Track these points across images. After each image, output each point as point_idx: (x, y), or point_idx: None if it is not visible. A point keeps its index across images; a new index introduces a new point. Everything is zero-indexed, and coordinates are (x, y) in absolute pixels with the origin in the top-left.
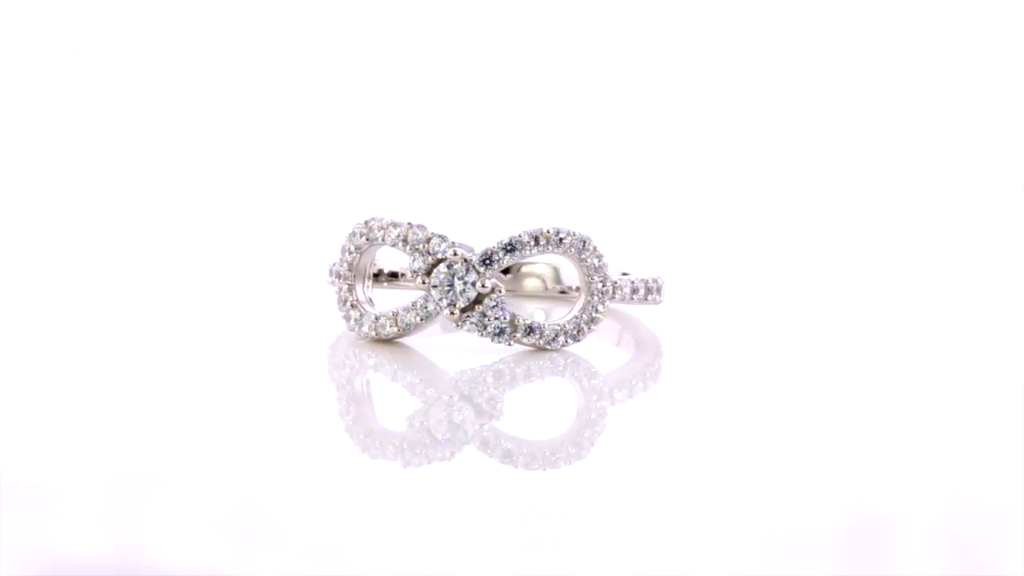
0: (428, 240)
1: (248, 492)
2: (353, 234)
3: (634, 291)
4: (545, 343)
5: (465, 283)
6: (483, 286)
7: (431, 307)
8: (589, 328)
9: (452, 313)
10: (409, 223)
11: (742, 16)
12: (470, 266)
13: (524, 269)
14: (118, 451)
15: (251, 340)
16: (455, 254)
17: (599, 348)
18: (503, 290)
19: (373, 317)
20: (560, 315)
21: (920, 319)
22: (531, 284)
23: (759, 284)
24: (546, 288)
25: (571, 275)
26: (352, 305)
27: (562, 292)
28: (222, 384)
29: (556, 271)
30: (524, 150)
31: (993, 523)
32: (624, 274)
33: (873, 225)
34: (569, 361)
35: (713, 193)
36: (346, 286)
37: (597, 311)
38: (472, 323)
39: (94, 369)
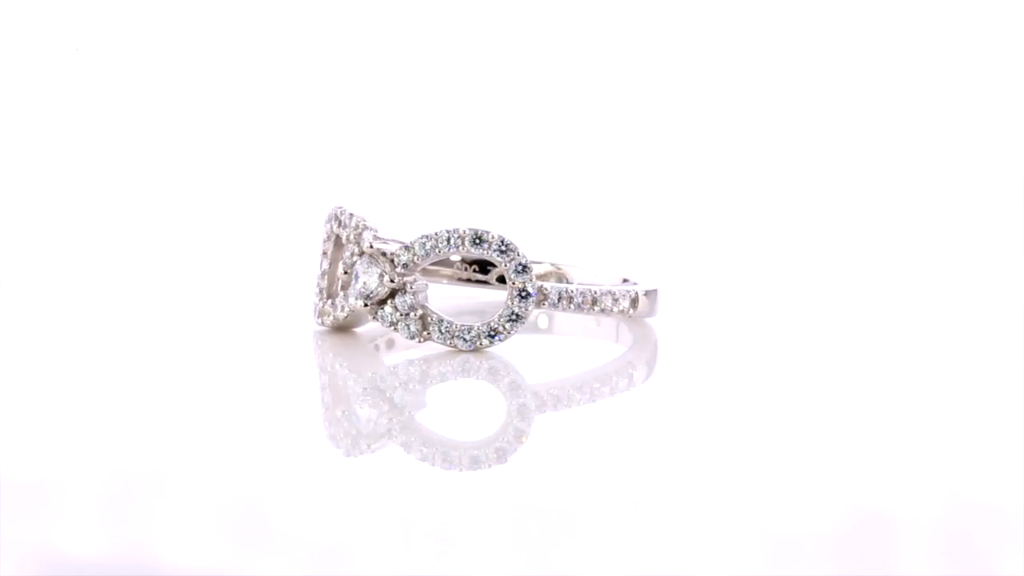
0: (360, 232)
1: (247, 490)
2: (327, 221)
3: (570, 299)
4: (455, 342)
5: (379, 277)
6: (391, 281)
7: (350, 300)
8: (507, 331)
9: (365, 306)
10: (351, 214)
11: (734, 23)
12: (386, 260)
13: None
14: (117, 450)
15: (241, 332)
16: (371, 247)
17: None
18: (413, 286)
19: (320, 306)
20: (564, 323)
21: (919, 320)
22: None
23: (756, 285)
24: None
25: (578, 275)
26: (319, 291)
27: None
28: (215, 380)
29: (559, 269)
30: (522, 153)
31: (993, 523)
32: (624, 281)
33: (868, 226)
34: (487, 364)
35: (710, 201)
36: (319, 272)
37: (516, 315)
38: (383, 318)
39: (91, 367)
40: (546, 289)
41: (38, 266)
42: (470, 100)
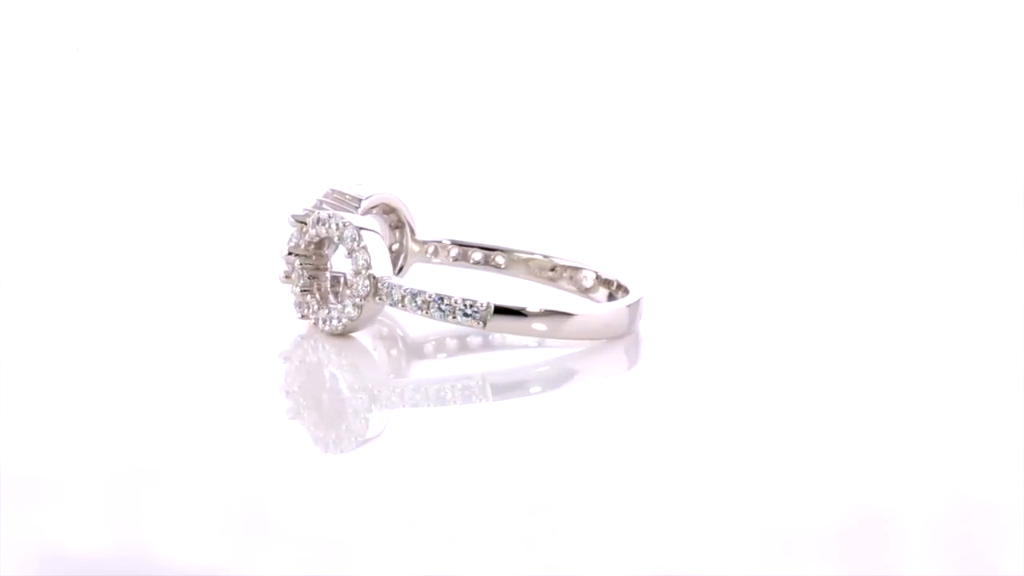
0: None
1: (245, 487)
2: None
3: (412, 299)
4: (318, 322)
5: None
6: (288, 254)
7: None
8: (351, 321)
9: (288, 278)
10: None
11: (722, 24)
12: (302, 232)
13: (517, 255)
14: (117, 448)
15: (241, 327)
16: (294, 221)
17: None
18: (308, 261)
19: None
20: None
21: (919, 319)
22: (531, 266)
23: (751, 287)
24: (538, 275)
25: (572, 271)
26: None
27: (551, 276)
28: (214, 378)
29: (552, 262)
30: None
31: (993, 522)
32: (616, 282)
33: (864, 225)
34: (340, 348)
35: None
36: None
37: (354, 306)
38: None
39: (92, 364)
40: (389, 283)
41: (37, 265)
42: (483, 105)
